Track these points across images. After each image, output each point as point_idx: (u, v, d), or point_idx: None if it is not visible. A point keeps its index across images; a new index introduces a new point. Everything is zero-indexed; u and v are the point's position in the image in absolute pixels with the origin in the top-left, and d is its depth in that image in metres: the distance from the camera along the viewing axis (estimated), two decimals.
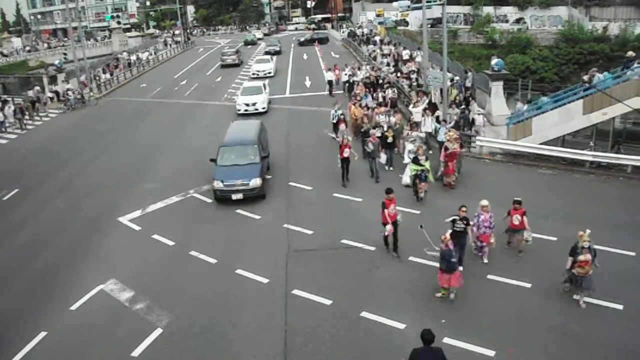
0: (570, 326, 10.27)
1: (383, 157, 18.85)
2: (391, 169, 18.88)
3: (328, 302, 11.53)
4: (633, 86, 20.82)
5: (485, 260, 12.56)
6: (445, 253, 10.82)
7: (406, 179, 17.03)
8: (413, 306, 11.15)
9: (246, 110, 28.15)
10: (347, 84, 31.22)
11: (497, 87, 23.94)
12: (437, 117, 20.70)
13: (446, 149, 16.99)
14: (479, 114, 22.19)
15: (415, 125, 19.59)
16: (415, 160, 16.08)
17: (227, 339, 10.72)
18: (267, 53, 53.31)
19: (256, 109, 28.30)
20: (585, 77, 23.03)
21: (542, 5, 56.26)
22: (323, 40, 61.67)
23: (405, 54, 35.76)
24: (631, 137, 26.38)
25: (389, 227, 12.75)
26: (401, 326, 10.60)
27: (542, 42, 49.02)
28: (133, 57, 52.28)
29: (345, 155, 17.58)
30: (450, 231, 11.48)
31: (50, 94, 37.37)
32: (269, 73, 40.57)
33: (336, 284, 12.18)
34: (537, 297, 11.34)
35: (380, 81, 28.51)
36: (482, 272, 12.11)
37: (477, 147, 20.56)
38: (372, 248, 13.55)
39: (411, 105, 22.84)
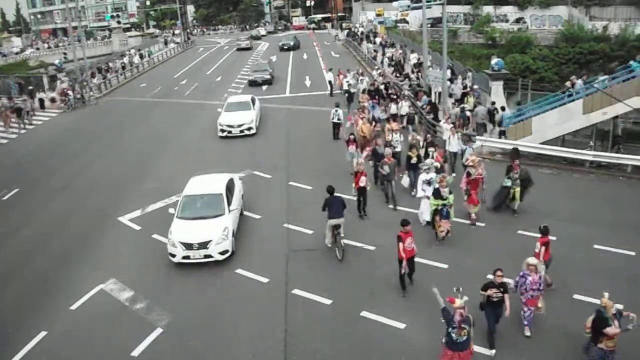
0: (570, 326, 10.25)
1: (406, 180, 16.48)
2: (413, 193, 16.05)
3: (328, 302, 11.53)
4: (633, 86, 20.84)
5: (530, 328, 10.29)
6: (445, 315, 8.69)
7: (426, 215, 14.29)
8: (413, 306, 11.15)
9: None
10: (346, 94, 27.31)
11: (497, 87, 23.94)
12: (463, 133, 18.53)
13: (468, 174, 14.66)
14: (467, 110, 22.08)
15: (433, 144, 17.36)
16: (437, 194, 13.49)
17: (227, 339, 10.71)
18: (251, 84, 35.37)
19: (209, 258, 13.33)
20: (568, 84, 23.42)
21: (542, 4, 56.35)
22: (295, 47, 56.27)
23: (414, 57, 34.62)
24: (631, 137, 26.38)
25: (405, 264, 11.27)
26: (401, 326, 10.61)
27: (542, 41, 49.07)
28: (126, 60, 50.60)
29: (362, 184, 15.11)
30: (465, 298, 8.76)
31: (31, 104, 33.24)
32: (249, 129, 24.07)
33: (336, 284, 12.18)
34: None
35: (390, 90, 25.66)
36: (481, 272, 12.07)
37: (478, 146, 20.53)
38: (372, 248, 13.55)
39: (442, 121, 20.50)
